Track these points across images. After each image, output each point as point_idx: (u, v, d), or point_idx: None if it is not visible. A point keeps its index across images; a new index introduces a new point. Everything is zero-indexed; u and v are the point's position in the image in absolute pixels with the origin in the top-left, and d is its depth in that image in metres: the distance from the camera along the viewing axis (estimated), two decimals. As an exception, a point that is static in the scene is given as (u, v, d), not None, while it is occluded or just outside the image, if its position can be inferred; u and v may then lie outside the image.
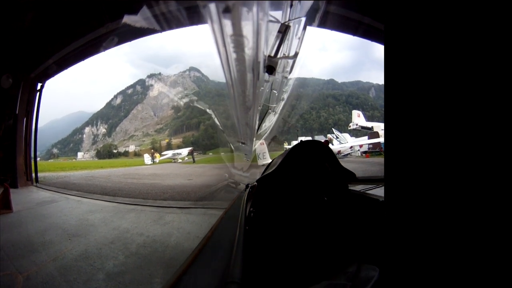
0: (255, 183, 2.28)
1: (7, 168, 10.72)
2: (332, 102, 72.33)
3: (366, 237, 1.71)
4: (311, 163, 2.14)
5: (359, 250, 1.70)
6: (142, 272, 4.00)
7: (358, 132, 34.47)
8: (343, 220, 1.98)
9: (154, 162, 40.91)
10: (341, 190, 2.13)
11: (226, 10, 1.93)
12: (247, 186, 2.48)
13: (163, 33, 11.11)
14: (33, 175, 12.22)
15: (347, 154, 28.12)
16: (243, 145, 7.70)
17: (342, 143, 30.14)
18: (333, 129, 36.27)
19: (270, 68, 3.19)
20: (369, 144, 27.83)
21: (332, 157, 2.23)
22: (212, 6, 1.86)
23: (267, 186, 2.11)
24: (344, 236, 1.89)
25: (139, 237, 5.45)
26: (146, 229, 5.98)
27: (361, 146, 28.23)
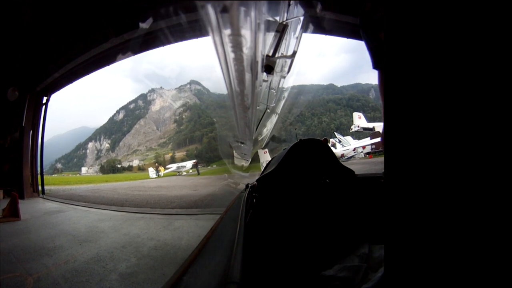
0: (255, 182, 2.28)
1: (14, 179, 10.89)
2: (333, 106, 72.21)
3: (373, 217, 1.73)
4: (310, 157, 2.18)
5: (367, 230, 1.72)
6: (155, 272, 4.05)
7: (361, 134, 34.42)
8: (347, 201, 2.00)
9: (158, 176, 41.06)
10: (342, 171, 2.17)
11: (224, 10, 2.05)
12: (247, 185, 2.47)
13: (164, 47, 11.46)
14: (39, 187, 12.33)
15: (351, 157, 28.01)
16: (243, 145, 7.79)
17: (344, 146, 30.09)
18: (335, 133, 36.28)
19: (268, 68, 3.30)
20: (371, 144, 27.68)
21: (331, 155, 2.26)
22: (210, 6, 2.00)
23: (267, 183, 2.12)
24: (350, 217, 1.91)
25: (150, 241, 5.48)
26: (156, 234, 6.02)
27: (364, 147, 28.13)
